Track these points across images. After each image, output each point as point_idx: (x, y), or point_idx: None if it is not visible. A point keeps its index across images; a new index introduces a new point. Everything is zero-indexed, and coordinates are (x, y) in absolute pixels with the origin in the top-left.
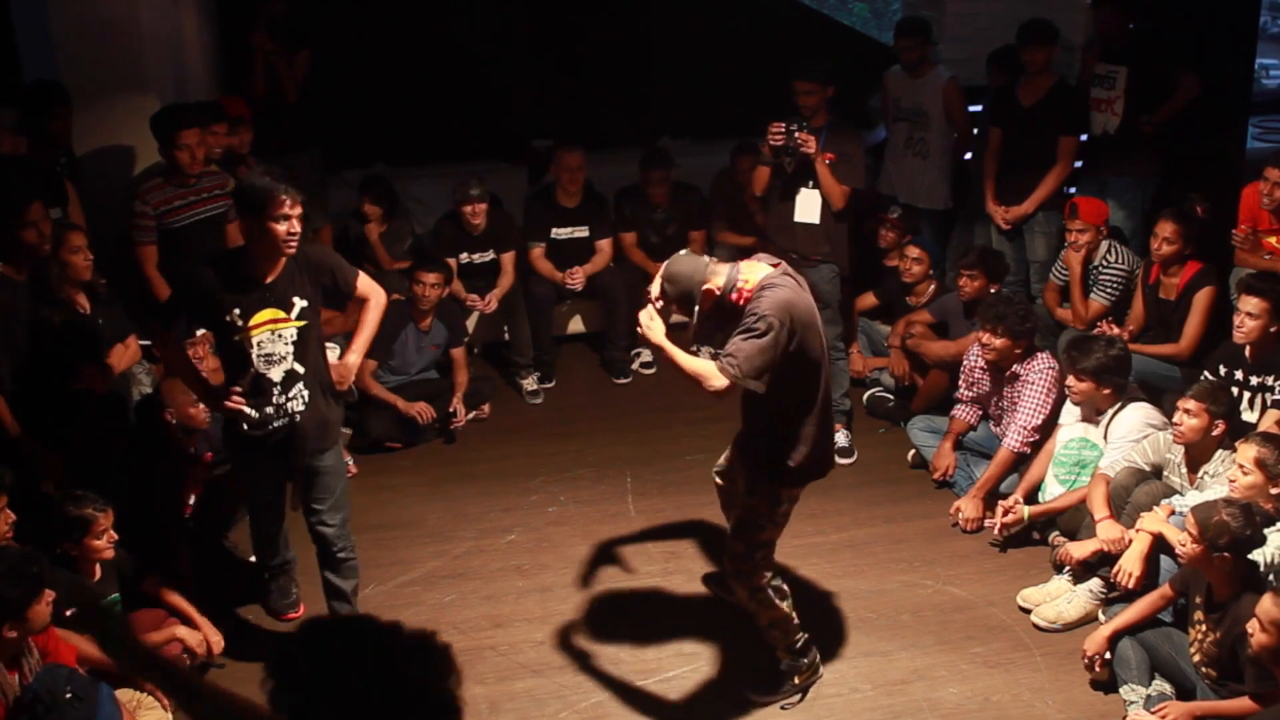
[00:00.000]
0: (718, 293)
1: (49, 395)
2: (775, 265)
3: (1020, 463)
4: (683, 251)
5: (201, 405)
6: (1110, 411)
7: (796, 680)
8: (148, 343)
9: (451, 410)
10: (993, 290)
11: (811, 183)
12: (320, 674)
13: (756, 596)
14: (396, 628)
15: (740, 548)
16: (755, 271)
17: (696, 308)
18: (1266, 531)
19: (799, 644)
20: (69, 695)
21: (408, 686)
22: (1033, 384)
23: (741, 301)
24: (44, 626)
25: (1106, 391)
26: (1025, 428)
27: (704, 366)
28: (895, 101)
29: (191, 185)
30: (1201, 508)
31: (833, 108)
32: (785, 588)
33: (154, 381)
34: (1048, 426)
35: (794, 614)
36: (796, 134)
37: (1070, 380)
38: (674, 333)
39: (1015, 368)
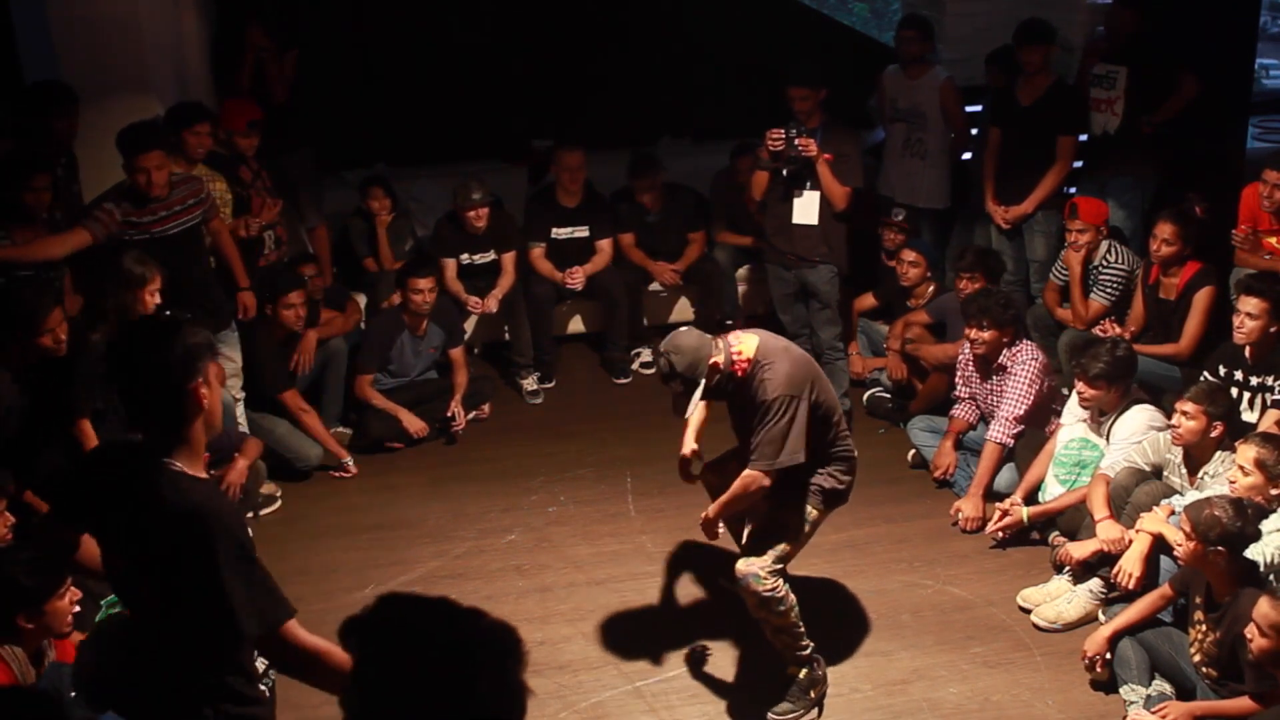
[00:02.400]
0: (721, 365)
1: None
2: (756, 333)
3: (1008, 455)
4: (683, 327)
5: None
6: (1114, 412)
7: (812, 694)
8: None
9: (450, 415)
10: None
11: (809, 184)
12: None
13: (766, 604)
14: (471, 612)
15: (762, 557)
16: (746, 342)
17: (700, 381)
18: (1265, 531)
19: (807, 651)
20: (74, 693)
21: (479, 668)
22: (1016, 375)
23: (740, 372)
24: (66, 624)
25: (1115, 393)
26: (1008, 419)
27: (742, 485)
28: (892, 102)
29: (162, 200)
30: (1194, 505)
31: (827, 108)
32: (792, 596)
33: None
34: (1031, 417)
35: (800, 623)
36: (796, 140)
37: (1080, 387)
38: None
39: (1002, 358)
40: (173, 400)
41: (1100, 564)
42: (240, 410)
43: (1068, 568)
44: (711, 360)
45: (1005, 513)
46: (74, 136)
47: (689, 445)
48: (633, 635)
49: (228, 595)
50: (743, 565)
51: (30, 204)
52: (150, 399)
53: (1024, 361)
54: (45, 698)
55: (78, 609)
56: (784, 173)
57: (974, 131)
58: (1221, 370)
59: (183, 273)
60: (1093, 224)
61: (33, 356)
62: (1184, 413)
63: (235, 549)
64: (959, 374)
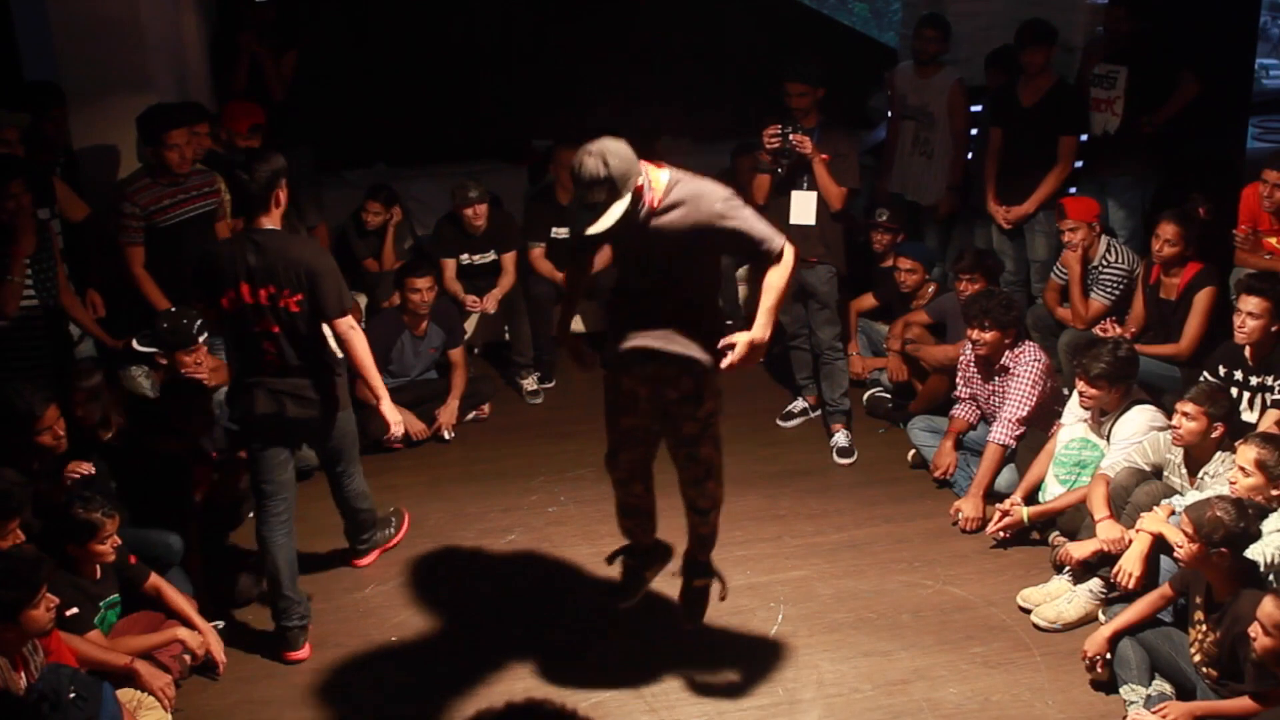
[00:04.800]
0: (643, 192)
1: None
2: (660, 164)
3: (1009, 456)
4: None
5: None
6: (1114, 413)
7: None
8: (150, 350)
9: (437, 429)
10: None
11: (805, 184)
12: None
13: (717, 506)
14: None
15: (716, 456)
16: (656, 175)
17: (626, 198)
18: (1266, 531)
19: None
20: (72, 695)
21: None
22: (1019, 376)
23: (656, 204)
24: (45, 629)
25: (1117, 393)
26: (1010, 420)
27: (780, 278)
28: (901, 99)
29: (180, 184)
30: (1194, 506)
31: (825, 108)
32: None
33: (154, 386)
34: (1035, 419)
35: None
36: (791, 136)
37: (1082, 386)
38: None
39: (1004, 359)
40: (269, 193)
41: (1100, 564)
42: None
43: (1068, 568)
44: (640, 182)
45: (1005, 513)
46: (65, 136)
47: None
48: (633, 635)
49: (338, 283)
50: (709, 479)
51: (11, 210)
52: (260, 189)
53: (1027, 363)
54: (27, 705)
55: (73, 610)
56: (779, 170)
57: (974, 132)
58: (1221, 370)
59: (183, 259)
60: (1083, 220)
61: (35, 454)
62: (1184, 414)
63: (329, 255)
64: (960, 374)
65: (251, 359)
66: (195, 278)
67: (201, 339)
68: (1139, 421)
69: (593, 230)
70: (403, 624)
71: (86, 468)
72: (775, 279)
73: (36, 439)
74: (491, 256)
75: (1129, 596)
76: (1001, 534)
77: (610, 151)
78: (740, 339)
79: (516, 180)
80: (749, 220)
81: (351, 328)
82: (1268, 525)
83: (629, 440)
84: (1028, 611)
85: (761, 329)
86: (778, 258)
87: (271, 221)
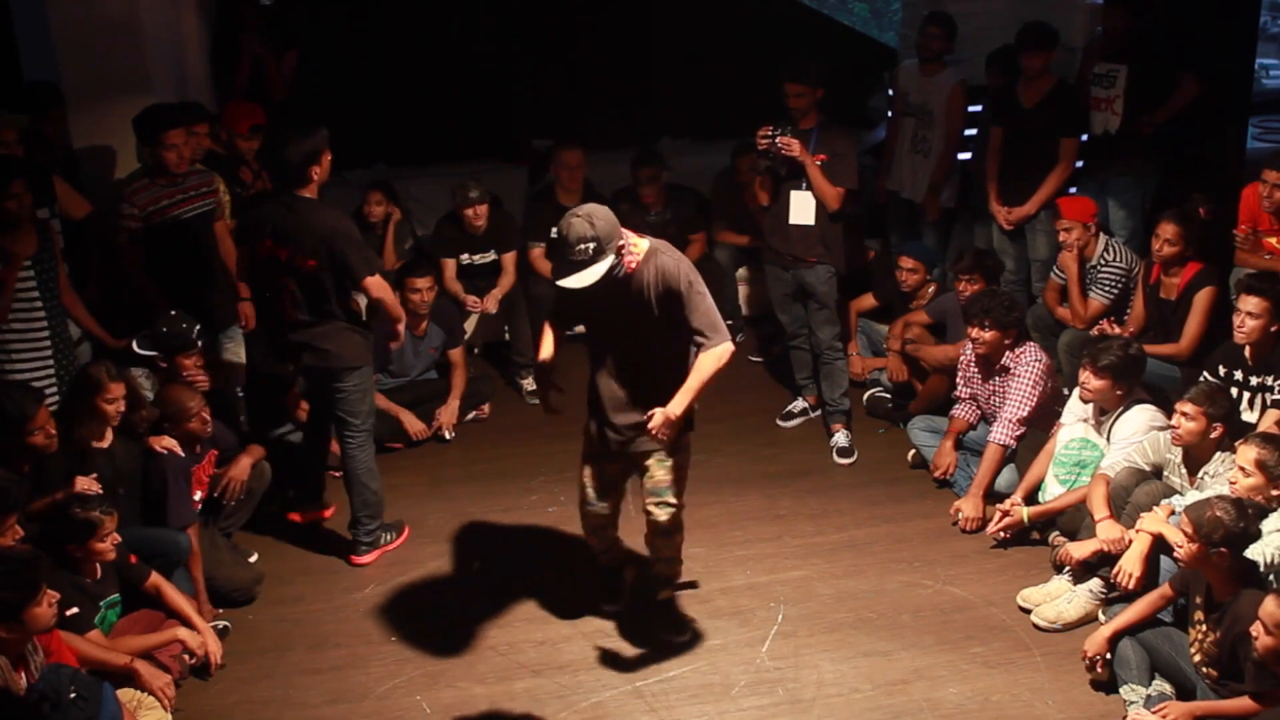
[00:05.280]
0: (623, 252)
1: None
2: (640, 235)
3: (1010, 456)
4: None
5: (201, 417)
6: (1114, 412)
7: (678, 602)
8: (150, 352)
9: (437, 427)
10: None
11: (804, 184)
12: None
13: (678, 528)
14: None
15: (679, 502)
16: (638, 240)
17: (610, 258)
18: (1265, 530)
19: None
20: (73, 694)
21: None
22: (1020, 377)
23: (634, 266)
24: (48, 625)
25: (1119, 391)
26: (1011, 420)
27: (710, 365)
28: (904, 96)
29: (179, 184)
30: (1194, 506)
31: (824, 108)
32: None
33: (154, 387)
34: (1035, 419)
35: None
36: (778, 139)
37: (1086, 376)
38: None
39: (1005, 359)
40: (306, 168)
41: (1100, 564)
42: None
43: (1068, 568)
44: (622, 243)
45: (1005, 513)
46: (65, 136)
47: (547, 351)
48: (633, 635)
49: (360, 247)
50: (669, 521)
51: (13, 210)
52: (296, 166)
53: (1027, 363)
54: (27, 705)
55: (74, 610)
56: (782, 173)
57: (974, 132)
58: (1221, 370)
59: (194, 261)
60: (1078, 220)
61: (27, 455)
62: (1184, 414)
63: (350, 224)
64: (960, 374)
65: (272, 312)
66: (240, 222)
67: (200, 343)
68: (1139, 421)
69: (579, 284)
70: (403, 624)
71: (97, 487)
72: (707, 364)
73: (28, 440)
74: (491, 256)
75: (1129, 596)
76: (1001, 534)
77: (596, 215)
78: (659, 413)
79: (516, 180)
80: (702, 304)
81: (380, 285)
82: (1268, 525)
83: (603, 487)
84: (1028, 611)
85: (677, 406)
86: (717, 343)
87: (308, 192)
